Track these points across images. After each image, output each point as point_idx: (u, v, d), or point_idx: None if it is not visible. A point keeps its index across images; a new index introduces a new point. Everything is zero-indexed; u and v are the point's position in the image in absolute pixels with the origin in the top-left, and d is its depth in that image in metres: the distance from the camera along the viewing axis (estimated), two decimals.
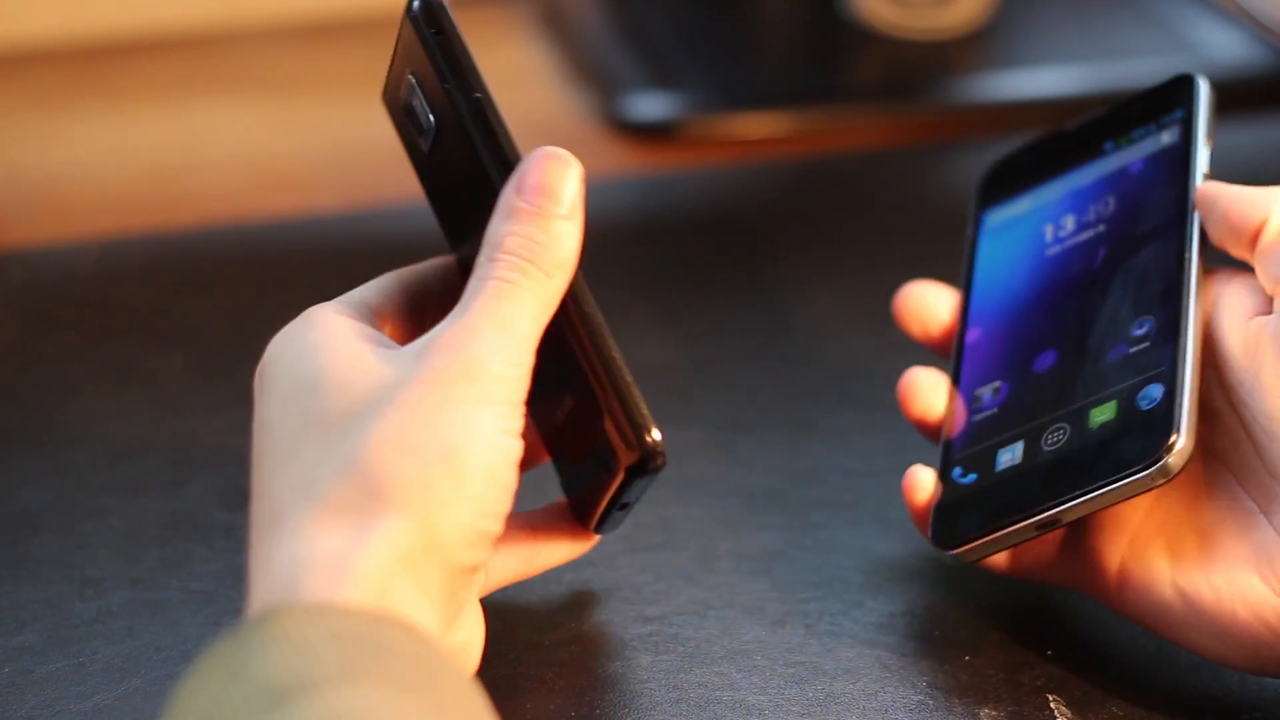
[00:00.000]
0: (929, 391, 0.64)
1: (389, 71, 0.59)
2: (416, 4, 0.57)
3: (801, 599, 0.63)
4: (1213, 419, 0.58)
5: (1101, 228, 0.64)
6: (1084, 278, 0.63)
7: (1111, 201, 0.65)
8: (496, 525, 0.52)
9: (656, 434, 0.54)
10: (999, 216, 0.69)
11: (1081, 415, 0.59)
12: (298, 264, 0.85)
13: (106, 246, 0.86)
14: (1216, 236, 0.60)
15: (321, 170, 0.95)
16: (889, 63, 1.03)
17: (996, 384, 0.63)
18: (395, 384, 0.52)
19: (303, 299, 0.83)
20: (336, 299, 0.57)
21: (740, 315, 0.80)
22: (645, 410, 0.54)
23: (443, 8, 0.56)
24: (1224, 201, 0.60)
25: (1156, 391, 0.58)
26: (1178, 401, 0.57)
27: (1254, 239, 0.59)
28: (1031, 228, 0.67)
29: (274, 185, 0.93)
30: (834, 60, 1.05)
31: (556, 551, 0.60)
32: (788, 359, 0.78)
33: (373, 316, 0.57)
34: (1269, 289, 0.58)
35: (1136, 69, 0.98)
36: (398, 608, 0.49)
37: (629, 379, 0.54)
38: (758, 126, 0.95)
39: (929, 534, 0.60)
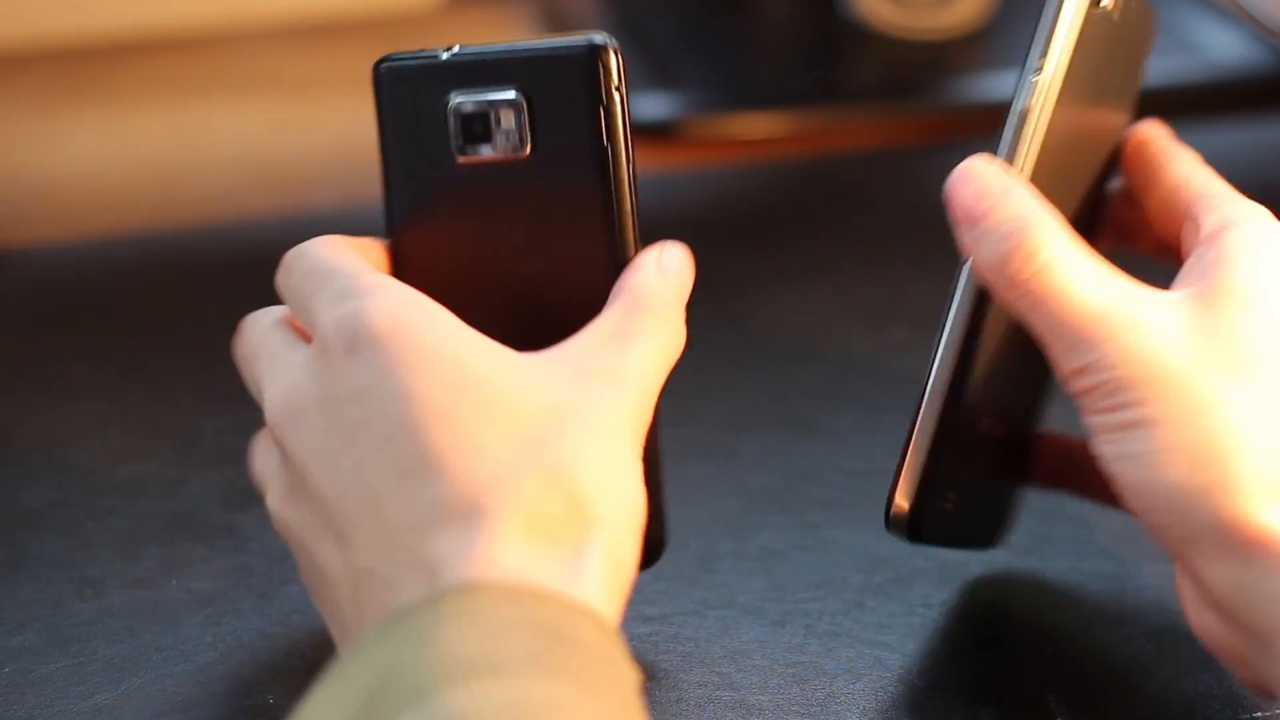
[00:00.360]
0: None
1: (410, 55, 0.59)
2: (610, 45, 0.58)
3: (801, 599, 0.63)
4: None
5: None
6: None
7: None
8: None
9: None
10: None
11: None
12: None
13: (106, 246, 0.86)
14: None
15: (321, 170, 0.95)
16: (889, 63, 1.03)
17: None
18: (567, 403, 0.52)
19: None
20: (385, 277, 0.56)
21: (740, 315, 0.80)
22: None
23: (617, 59, 0.58)
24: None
25: None
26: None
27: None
28: None
29: (274, 185, 0.93)
30: (834, 60, 1.05)
31: None
32: (788, 359, 0.78)
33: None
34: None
35: None
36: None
37: None
38: (758, 126, 0.95)
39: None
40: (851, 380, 0.75)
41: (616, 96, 0.57)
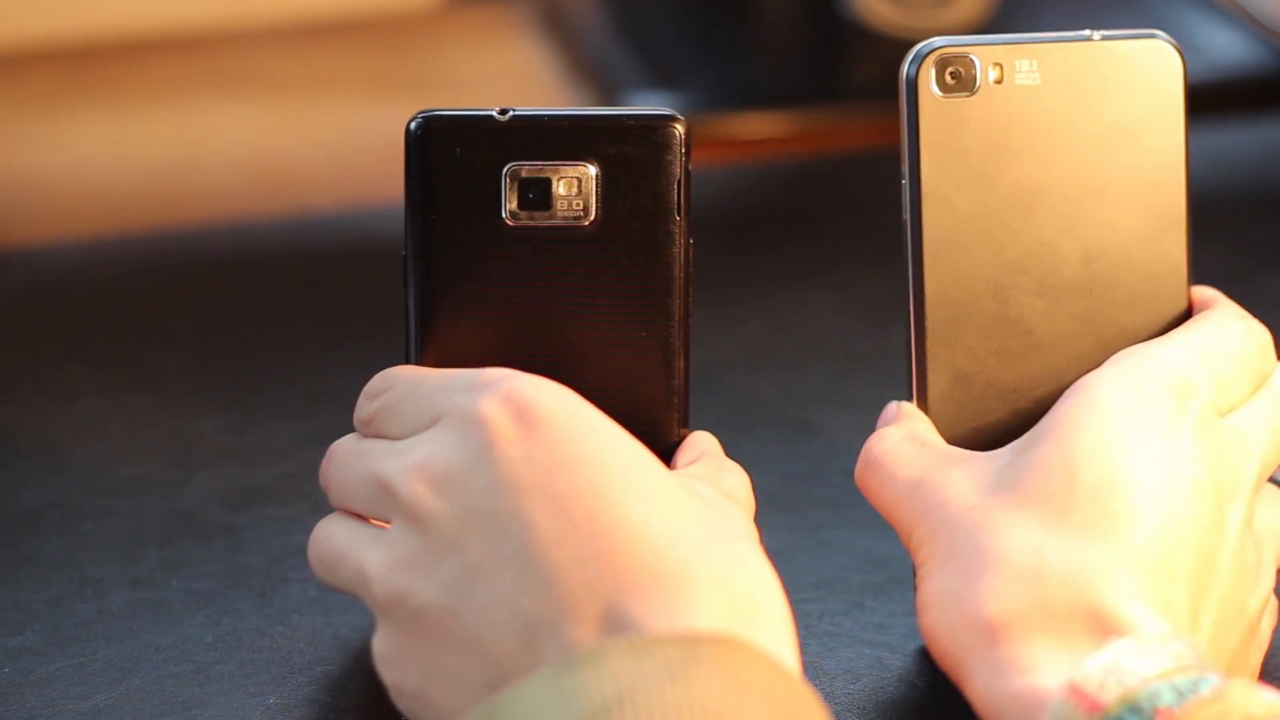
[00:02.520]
0: None
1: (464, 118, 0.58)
2: (683, 117, 0.58)
3: (801, 599, 0.63)
4: None
5: None
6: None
7: None
8: None
9: None
10: None
11: None
12: (298, 264, 0.85)
13: (106, 246, 0.86)
14: None
15: (321, 170, 0.95)
16: (889, 63, 1.03)
17: None
18: (723, 508, 0.53)
19: (303, 299, 0.83)
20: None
21: (740, 315, 0.80)
22: None
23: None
24: None
25: None
26: None
27: None
28: None
29: (274, 185, 0.93)
30: (834, 60, 1.05)
31: None
32: (788, 359, 0.78)
33: None
34: None
35: None
36: None
37: None
38: (758, 126, 0.95)
39: None
40: (851, 380, 0.75)
41: (688, 170, 0.57)
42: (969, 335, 0.59)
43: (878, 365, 0.76)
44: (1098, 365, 0.58)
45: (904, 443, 0.58)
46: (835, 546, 0.66)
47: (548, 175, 0.57)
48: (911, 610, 0.63)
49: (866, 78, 1.05)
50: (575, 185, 0.57)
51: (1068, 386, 0.57)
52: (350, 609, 0.63)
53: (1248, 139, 0.93)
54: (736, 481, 0.56)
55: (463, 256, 0.57)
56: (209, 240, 0.87)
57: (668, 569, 0.49)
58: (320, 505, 0.69)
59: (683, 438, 0.58)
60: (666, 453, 0.57)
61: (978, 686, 0.52)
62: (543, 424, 0.51)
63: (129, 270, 0.84)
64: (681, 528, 0.50)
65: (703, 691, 0.45)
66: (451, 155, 0.57)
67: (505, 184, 0.57)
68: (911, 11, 1.03)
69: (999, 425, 0.59)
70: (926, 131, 0.59)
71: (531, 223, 0.57)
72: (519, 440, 0.51)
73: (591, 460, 0.51)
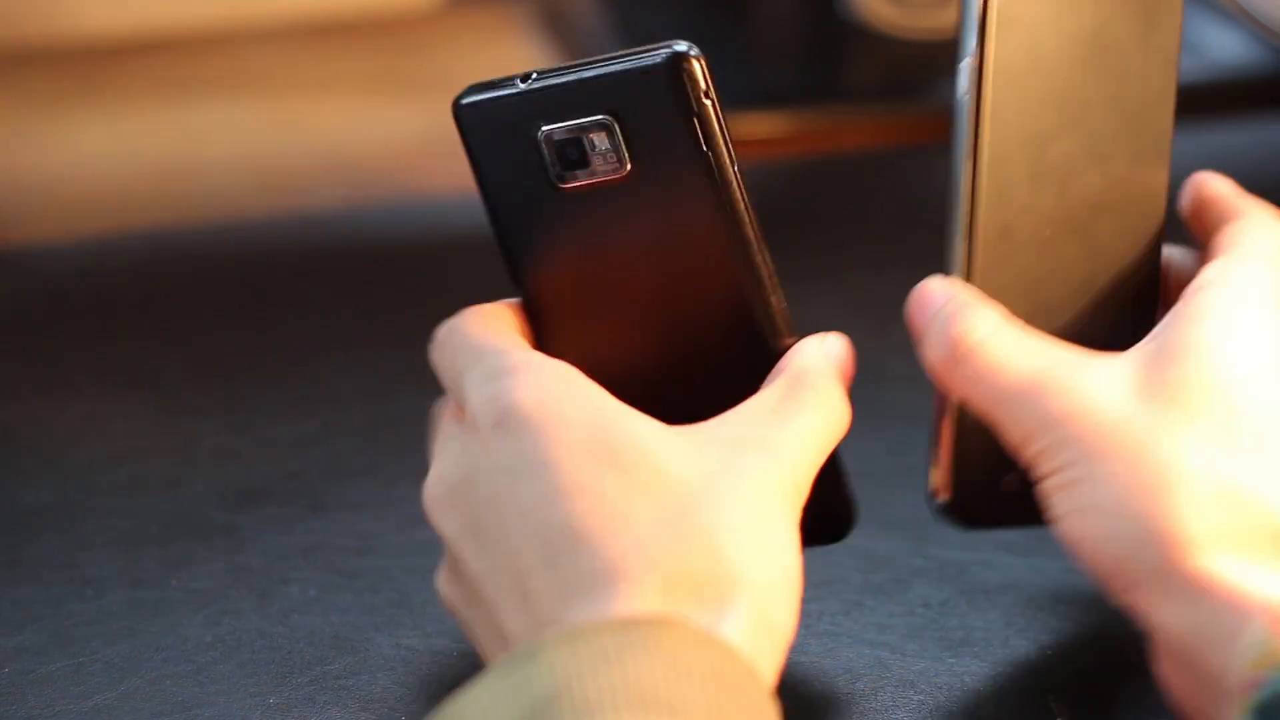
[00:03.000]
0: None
1: (489, 84, 0.59)
2: (691, 53, 0.56)
3: (802, 599, 0.63)
4: None
5: None
6: None
7: None
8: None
9: None
10: None
11: None
12: (298, 264, 0.85)
13: (106, 246, 0.86)
14: None
15: (321, 170, 0.95)
16: (889, 63, 1.03)
17: None
18: (718, 470, 0.52)
19: (302, 299, 0.83)
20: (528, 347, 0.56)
21: None
22: None
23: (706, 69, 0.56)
24: None
25: None
26: None
27: None
28: None
29: (274, 185, 0.93)
30: (834, 60, 1.05)
31: None
32: None
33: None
34: None
35: None
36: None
37: None
38: (758, 126, 0.95)
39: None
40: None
41: (708, 103, 0.56)
42: (1020, 220, 0.58)
43: (878, 365, 0.75)
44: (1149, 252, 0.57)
45: (1002, 334, 0.55)
46: (835, 546, 0.65)
47: (576, 136, 0.57)
48: (912, 610, 0.63)
49: (866, 78, 1.05)
50: (604, 140, 0.57)
51: (1126, 273, 0.57)
52: (350, 609, 0.63)
53: (1248, 139, 0.93)
54: (798, 405, 0.55)
55: (528, 223, 0.58)
56: (209, 240, 0.87)
57: (602, 568, 0.49)
58: (320, 505, 0.69)
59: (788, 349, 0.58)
60: None
61: (1157, 603, 0.51)
62: (515, 430, 0.52)
63: (129, 270, 0.84)
64: (632, 521, 0.50)
65: (638, 674, 0.46)
66: (493, 130, 0.57)
67: (544, 151, 0.57)
68: (911, 11, 1.03)
69: (1049, 314, 0.59)
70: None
71: (579, 182, 0.57)
72: (496, 449, 0.52)
73: (551, 463, 0.51)
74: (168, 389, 0.76)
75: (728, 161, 0.57)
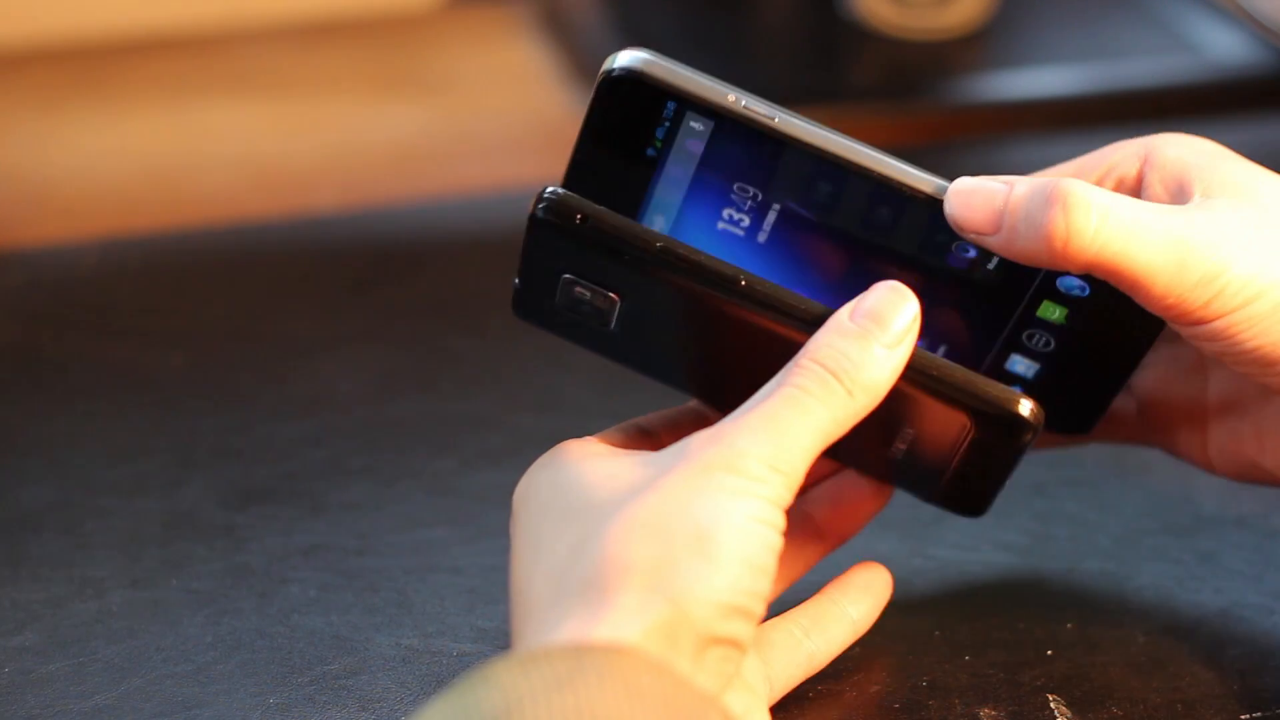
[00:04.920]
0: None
1: (519, 284, 0.58)
2: (542, 207, 0.56)
3: (802, 599, 0.63)
4: None
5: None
6: None
7: None
8: (753, 604, 0.51)
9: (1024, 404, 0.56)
10: None
11: None
12: (298, 264, 0.85)
13: (106, 246, 0.86)
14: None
15: (321, 170, 0.95)
16: (889, 63, 1.03)
17: None
18: (654, 474, 0.52)
19: (303, 299, 0.83)
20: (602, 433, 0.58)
21: None
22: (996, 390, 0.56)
23: (567, 200, 0.56)
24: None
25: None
26: None
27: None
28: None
29: (274, 185, 0.93)
30: (834, 60, 1.05)
31: (844, 621, 0.60)
32: None
33: (642, 437, 0.58)
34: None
35: (1136, 69, 0.98)
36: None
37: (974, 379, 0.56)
38: None
39: None
40: None
41: None
42: None
43: None
44: None
45: (1117, 202, 0.55)
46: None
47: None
48: (912, 610, 0.63)
49: (866, 78, 1.05)
50: (584, 287, 0.58)
51: None
52: (350, 609, 0.63)
53: (1248, 139, 0.93)
54: (769, 439, 0.53)
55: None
56: (209, 240, 0.87)
57: (526, 616, 0.51)
58: (320, 505, 0.69)
59: None
60: None
61: None
62: (518, 507, 0.55)
63: (129, 270, 0.84)
64: (548, 574, 0.51)
65: (590, 698, 0.46)
66: None
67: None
68: (911, 11, 1.03)
69: None
70: None
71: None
72: (514, 526, 0.55)
73: (524, 528, 0.53)
74: (167, 389, 0.76)
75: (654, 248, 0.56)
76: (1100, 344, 0.59)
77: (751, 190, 0.58)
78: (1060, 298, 0.58)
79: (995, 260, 0.58)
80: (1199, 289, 0.54)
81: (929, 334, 0.59)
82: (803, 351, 0.54)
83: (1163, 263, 0.54)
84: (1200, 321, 0.54)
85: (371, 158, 0.95)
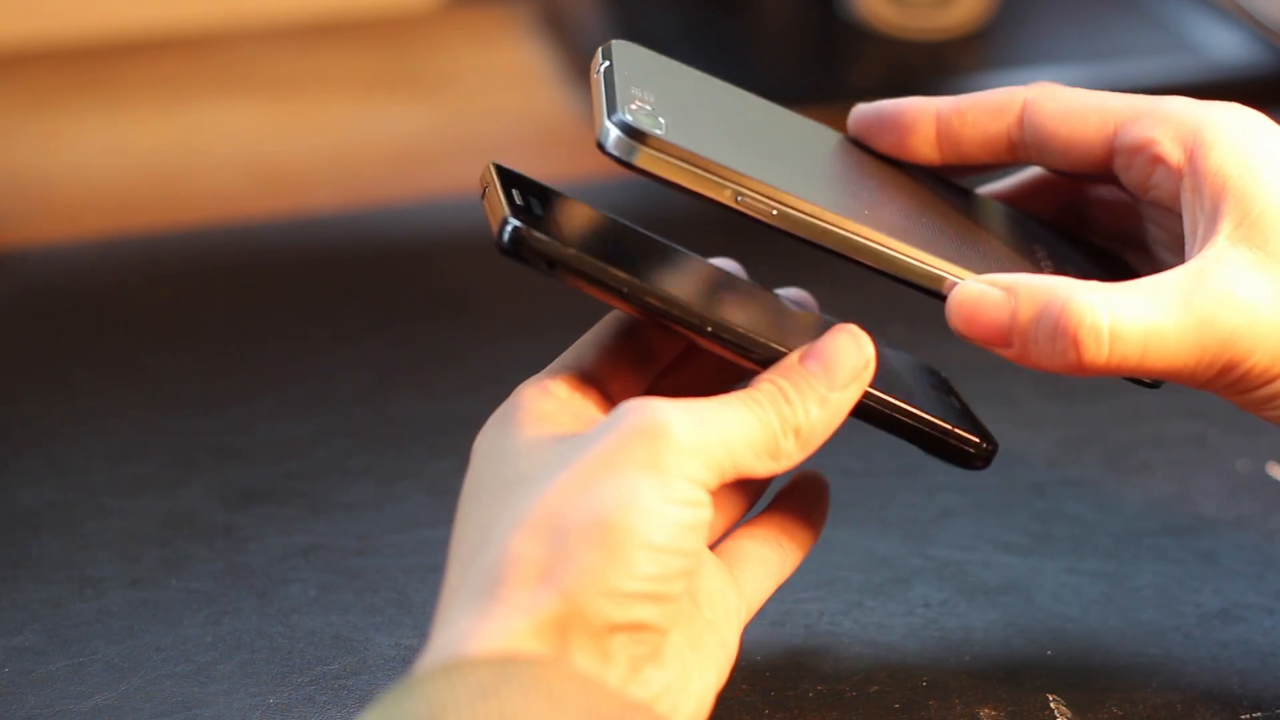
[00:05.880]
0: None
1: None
2: (507, 240, 0.53)
3: (801, 599, 0.63)
4: None
5: None
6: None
7: None
8: (664, 586, 0.50)
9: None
10: None
11: None
12: (298, 264, 0.85)
13: (106, 246, 0.86)
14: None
15: (321, 170, 0.95)
16: (889, 63, 1.03)
17: None
18: (577, 457, 0.51)
19: (303, 299, 0.83)
20: (551, 368, 0.56)
21: None
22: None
23: (524, 239, 0.53)
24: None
25: None
26: None
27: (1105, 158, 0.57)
28: None
29: (274, 185, 0.93)
30: (834, 60, 1.05)
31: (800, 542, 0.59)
32: None
33: (587, 384, 0.57)
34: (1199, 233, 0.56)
35: (1136, 69, 0.98)
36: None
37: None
38: None
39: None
40: None
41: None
42: None
43: None
44: None
45: (1125, 304, 0.54)
46: (835, 546, 0.65)
47: None
48: (912, 610, 0.63)
49: (866, 78, 1.05)
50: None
51: None
52: (350, 609, 0.63)
53: None
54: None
55: None
56: (209, 240, 0.87)
57: (441, 597, 0.51)
58: (320, 505, 0.69)
59: None
60: None
61: None
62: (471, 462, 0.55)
63: (129, 270, 0.84)
64: (459, 555, 0.51)
65: (515, 708, 0.46)
66: None
67: None
68: (911, 11, 1.03)
69: None
70: None
71: None
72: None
73: (460, 497, 0.54)
74: (168, 389, 0.76)
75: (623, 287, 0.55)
76: None
77: None
78: None
79: None
80: (1218, 379, 0.54)
81: None
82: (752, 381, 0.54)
83: (1180, 365, 0.54)
84: (1222, 395, 0.55)
85: (371, 158, 0.95)
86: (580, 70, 1.02)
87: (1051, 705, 0.59)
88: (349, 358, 0.78)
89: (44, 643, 0.62)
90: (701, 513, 0.51)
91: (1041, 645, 0.61)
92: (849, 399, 0.54)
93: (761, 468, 0.52)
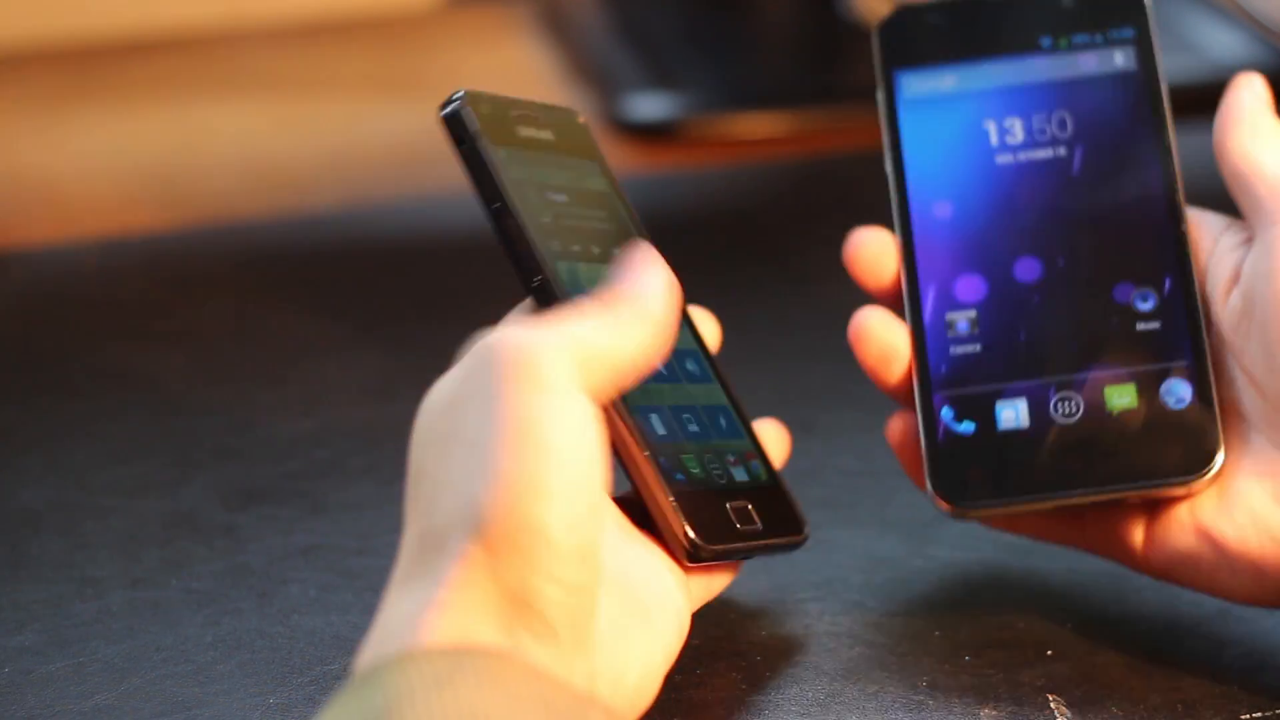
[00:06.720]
0: (885, 331, 0.63)
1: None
2: (445, 112, 0.59)
3: (801, 599, 0.63)
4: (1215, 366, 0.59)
5: (1062, 150, 0.63)
6: (1050, 207, 0.62)
7: (1069, 120, 0.62)
8: (579, 508, 0.51)
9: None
10: (918, 87, 0.67)
11: (1095, 391, 0.59)
12: (297, 263, 0.85)
13: (106, 246, 0.86)
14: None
15: (321, 170, 0.95)
16: None
17: (972, 313, 0.62)
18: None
19: (303, 299, 0.83)
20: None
21: (740, 315, 0.80)
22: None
23: (459, 118, 0.59)
24: None
25: (1185, 391, 0.58)
26: (1215, 415, 0.58)
27: None
28: (968, 120, 0.65)
29: (274, 185, 0.93)
30: (834, 60, 1.05)
31: None
32: (788, 358, 0.78)
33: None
34: None
35: None
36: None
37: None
38: (758, 126, 0.95)
39: (929, 484, 0.60)
40: (851, 380, 0.75)
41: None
42: None
43: None
44: None
45: None
46: (835, 546, 0.66)
47: None
48: (912, 610, 0.63)
49: (866, 78, 1.04)
50: None
51: None
52: (350, 609, 0.63)
53: None
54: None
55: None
56: (209, 240, 0.87)
57: (397, 564, 0.53)
58: (320, 505, 0.69)
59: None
60: None
61: None
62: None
63: (129, 270, 0.85)
64: (411, 526, 0.54)
65: (470, 698, 0.46)
66: None
67: None
68: None
69: None
70: None
71: None
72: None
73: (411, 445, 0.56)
74: (167, 389, 0.76)
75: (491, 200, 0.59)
76: None
77: None
78: None
79: None
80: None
81: None
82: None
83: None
84: None
85: (371, 158, 0.95)
86: (580, 70, 1.02)
87: (1051, 705, 0.59)
88: (349, 358, 0.78)
89: (44, 643, 0.62)
90: (589, 408, 0.52)
91: (1041, 645, 0.61)
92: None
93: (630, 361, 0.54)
